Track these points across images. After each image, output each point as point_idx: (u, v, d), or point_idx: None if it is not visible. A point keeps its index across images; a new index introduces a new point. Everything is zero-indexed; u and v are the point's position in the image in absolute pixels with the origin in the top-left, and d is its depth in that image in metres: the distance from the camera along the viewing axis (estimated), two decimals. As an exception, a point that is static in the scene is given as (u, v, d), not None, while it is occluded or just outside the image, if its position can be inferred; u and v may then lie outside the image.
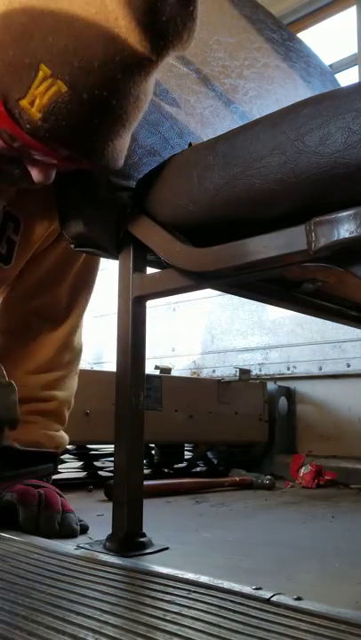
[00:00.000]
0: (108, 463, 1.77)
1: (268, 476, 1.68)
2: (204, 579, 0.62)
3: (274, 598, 0.55)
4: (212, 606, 0.54)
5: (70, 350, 1.11)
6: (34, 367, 1.06)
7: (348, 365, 1.90)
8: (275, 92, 1.33)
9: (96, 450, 1.73)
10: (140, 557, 0.78)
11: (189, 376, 2.32)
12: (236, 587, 0.59)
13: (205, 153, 0.73)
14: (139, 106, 0.72)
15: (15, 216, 0.99)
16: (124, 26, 0.63)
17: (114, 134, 0.71)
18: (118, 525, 0.80)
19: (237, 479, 1.64)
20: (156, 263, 0.91)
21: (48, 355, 1.08)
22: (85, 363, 2.53)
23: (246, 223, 0.72)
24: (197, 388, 1.85)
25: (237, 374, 1.92)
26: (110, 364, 2.49)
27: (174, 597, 0.56)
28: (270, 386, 2.04)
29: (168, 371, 2.02)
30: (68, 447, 1.59)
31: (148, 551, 0.80)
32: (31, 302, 1.08)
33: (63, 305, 1.09)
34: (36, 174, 0.75)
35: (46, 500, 0.92)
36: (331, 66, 2.20)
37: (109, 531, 0.81)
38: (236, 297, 1.52)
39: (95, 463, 1.74)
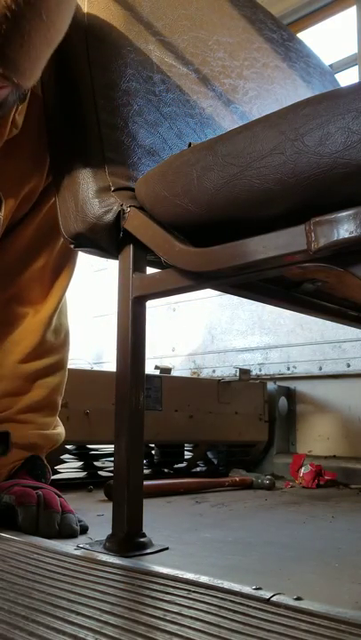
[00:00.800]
0: (108, 463, 1.77)
1: (268, 476, 1.68)
2: (204, 579, 0.62)
3: (274, 598, 0.55)
4: (212, 606, 0.54)
5: (55, 332, 1.10)
6: (24, 355, 1.06)
7: (348, 365, 1.90)
8: (275, 92, 1.33)
9: (96, 450, 1.73)
10: (140, 557, 0.78)
11: (189, 376, 2.32)
12: (236, 587, 0.59)
13: (205, 153, 0.73)
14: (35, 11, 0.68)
15: None
16: None
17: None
18: (118, 525, 0.80)
19: (237, 479, 1.64)
20: (156, 263, 0.91)
21: (35, 340, 1.07)
22: (85, 363, 2.53)
23: (246, 223, 0.72)
24: (197, 388, 1.85)
25: (237, 374, 1.92)
26: (110, 364, 2.49)
27: (174, 597, 0.56)
28: (270, 386, 2.04)
29: (168, 371, 2.02)
30: (68, 447, 1.59)
31: (147, 551, 0.80)
32: (9, 286, 1.06)
33: (44, 285, 1.07)
34: None
35: (45, 500, 0.92)
36: (331, 66, 2.20)
37: (109, 531, 0.81)
38: (236, 297, 1.52)
39: (95, 463, 1.74)
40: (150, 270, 0.88)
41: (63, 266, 1.08)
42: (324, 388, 2.01)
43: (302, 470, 1.74)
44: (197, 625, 0.49)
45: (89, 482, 1.58)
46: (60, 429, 1.12)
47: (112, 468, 1.40)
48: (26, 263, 1.06)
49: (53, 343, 1.09)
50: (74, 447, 1.65)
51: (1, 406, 1.05)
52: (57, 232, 0.96)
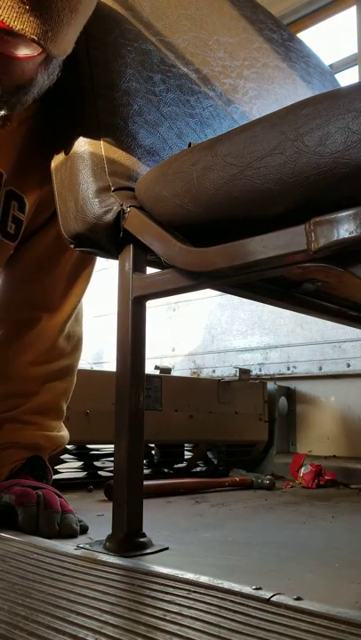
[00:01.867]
0: (108, 463, 1.77)
1: (268, 476, 1.68)
2: (204, 579, 0.62)
3: (274, 598, 0.55)
4: (212, 606, 0.54)
5: (68, 338, 1.10)
6: (34, 358, 1.06)
7: (348, 365, 1.90)
8: (275, 92, 1.33)
9: (96, 450, 1.73)
10: (140, 557, 0.78)
11: (189, 376, 2.32)
12: (236, 587, 0.59)
13: (205, 153, 0.73)
14: None
15: (18, 195, 0.99)
16: None
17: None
18: (118, 525, 0.80)
19: (237, 479, 1.64)
20: (156, 263, 0.91)
21: (47, 344, 1.07)
22: (85, 363, 2.53)
23: (246, 223, 0.72)
24: (197, 388, 1.85)
25: (237, 374, 1.92)
26: (110, 364, 2.49)
27: (174, 597, 0.56)
28: (270, 386, 2.04)
29: (168, 371, 2.02)
30: (68, 447, 1.59)
31: (147, 551, 0.80)
32: (26, 290, 1.07)
33: (59, 292, 1.07)
34: None
35: (45, 500, 0.92)
36: (331, 66, 2.20)
37: (109, 531, 0.81)
38: (236, 297, 1.52)
39: (95, 463, 1.74)
40: (150, 270, 0.88)
41: (80, 273, 1.09)
42: (324, 388, 2.01)
43: (302, 470, 1.74)
44: (197, 625, 0.49)
45: (89, 482, 1.58)
46: (65, 433, 1.13)
47: (112, 468, 1.40)
48: (44, 270, 1.06)
49: (64, 349, 1.10)
50: (74, 447, 1.65)
51: (7, 405, 1.05)
52: None
